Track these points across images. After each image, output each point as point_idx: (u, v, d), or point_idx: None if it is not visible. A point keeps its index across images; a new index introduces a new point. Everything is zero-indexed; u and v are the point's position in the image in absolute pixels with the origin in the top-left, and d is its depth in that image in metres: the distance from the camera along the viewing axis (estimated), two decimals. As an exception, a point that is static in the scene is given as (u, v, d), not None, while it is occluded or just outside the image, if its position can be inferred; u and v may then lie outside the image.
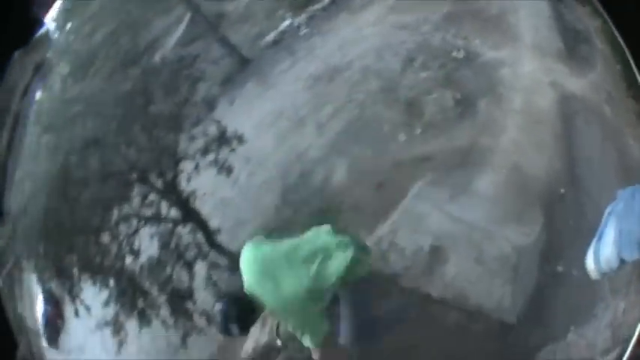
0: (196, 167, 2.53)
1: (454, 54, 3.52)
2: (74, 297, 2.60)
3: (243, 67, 3.52)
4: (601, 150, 3.03)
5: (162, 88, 2.78)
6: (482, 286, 2.60)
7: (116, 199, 2.58)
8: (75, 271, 2.62)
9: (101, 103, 2.69)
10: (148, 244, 2.52)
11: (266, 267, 2.07)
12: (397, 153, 2.86)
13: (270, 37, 4.26)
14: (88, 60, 2.92)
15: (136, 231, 2.50)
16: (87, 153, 2.65)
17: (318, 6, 5.14)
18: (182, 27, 4.21)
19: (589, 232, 2.37)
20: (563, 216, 2.64)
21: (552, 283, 2.55)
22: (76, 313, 2.61)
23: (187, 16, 4.16)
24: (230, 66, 3.23)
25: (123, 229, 2.54)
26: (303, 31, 4.54)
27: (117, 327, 2.52)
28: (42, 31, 2.41)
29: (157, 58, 3.05)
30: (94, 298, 2.58)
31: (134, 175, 2.56)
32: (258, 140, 2.59)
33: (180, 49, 3.27)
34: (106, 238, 2.58)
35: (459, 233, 2.66)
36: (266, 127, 2.78)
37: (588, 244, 2.32)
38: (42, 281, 2.67)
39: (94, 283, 2.58)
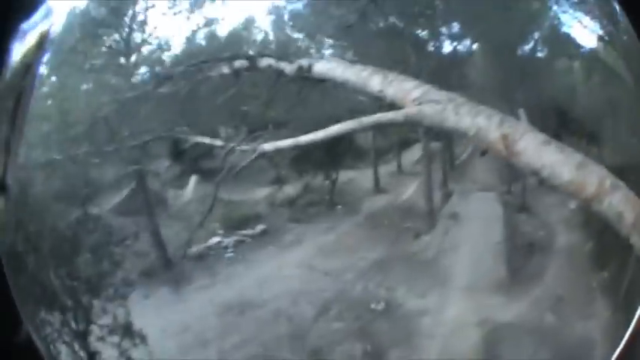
0: (102, 339, 2.76)
1: (373, 306, 3.69)
2: None
3: (165, 267, 3.68)
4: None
5: (90, 249, 2.88)
6: None
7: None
8: None
9: (39, 236, 2.74)
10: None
11: None
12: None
13: (197, 249, 4.49)
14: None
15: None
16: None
17: (249, 232, 5.57)
18: (124, 193, 4.37)
19: None
20: None
21: None
22: None
23: (131, 185, 4.35)
24: (154, 261, 3.41)
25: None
26: (229, 254, 4.82)
27: None
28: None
29: (94, 210, 3.19)
30: None
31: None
32: (161, 345, 2.67)
33: (116, 216, 3.43)
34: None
35: None
36: (171, 335, 2.86)
37: None
38: None
39: None
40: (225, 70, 4.50)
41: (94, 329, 2.74)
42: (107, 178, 3.93)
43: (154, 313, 2.99)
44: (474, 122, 2.53)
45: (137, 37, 6.03)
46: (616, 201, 2.38)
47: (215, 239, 6.23)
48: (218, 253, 4.66)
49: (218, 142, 4.23)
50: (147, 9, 7.21)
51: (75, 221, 3.14)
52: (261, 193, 8.48)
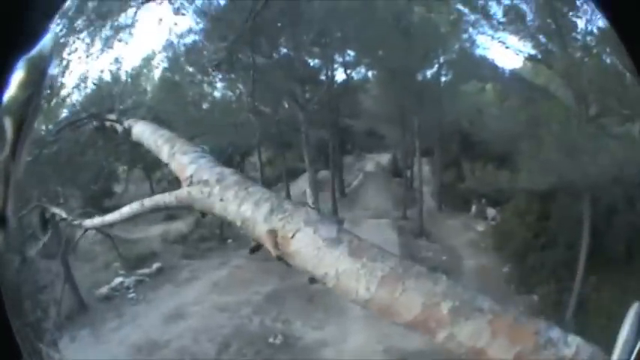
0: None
1: (271, 340, 3.69)
2: None
3: (81, 311, 4.15)
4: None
5: (29, 295, 3.31)
6: None
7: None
8: None
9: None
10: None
11: None
12: None
13: (103, 290, 4.92)
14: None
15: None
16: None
17: (146, 270, 5.91)
18: (43, 240, 4.68)
19: None
20: None
21: None
22: None
23: (48, 234, 4.69)
24: (72, 306, 3.86)
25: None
26: (131, 294, 5.33)
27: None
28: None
29: (31, 253, 3.57)
30: None
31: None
32: (90, 387, 3.21)
33: (40, 260, 3.87)
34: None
35: None
36: (96, 377, 3.40)
37: None
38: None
39: None
40: (91, 126, 4.77)
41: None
42: (33, 224, 4.20)
43: (80, 357, 3.48)
44: (239, 212, 1.89)
45: (59, 81, 6.04)
46: (465, 335, 1.38)
47: (118, 279, 6.39)
48: (122, 293, 5.08)
49: (63, 215, 4.52)
50: (70, 53, 7.10)
51: (16, 269, 3.42)
52: (155, 230, 8.53)
